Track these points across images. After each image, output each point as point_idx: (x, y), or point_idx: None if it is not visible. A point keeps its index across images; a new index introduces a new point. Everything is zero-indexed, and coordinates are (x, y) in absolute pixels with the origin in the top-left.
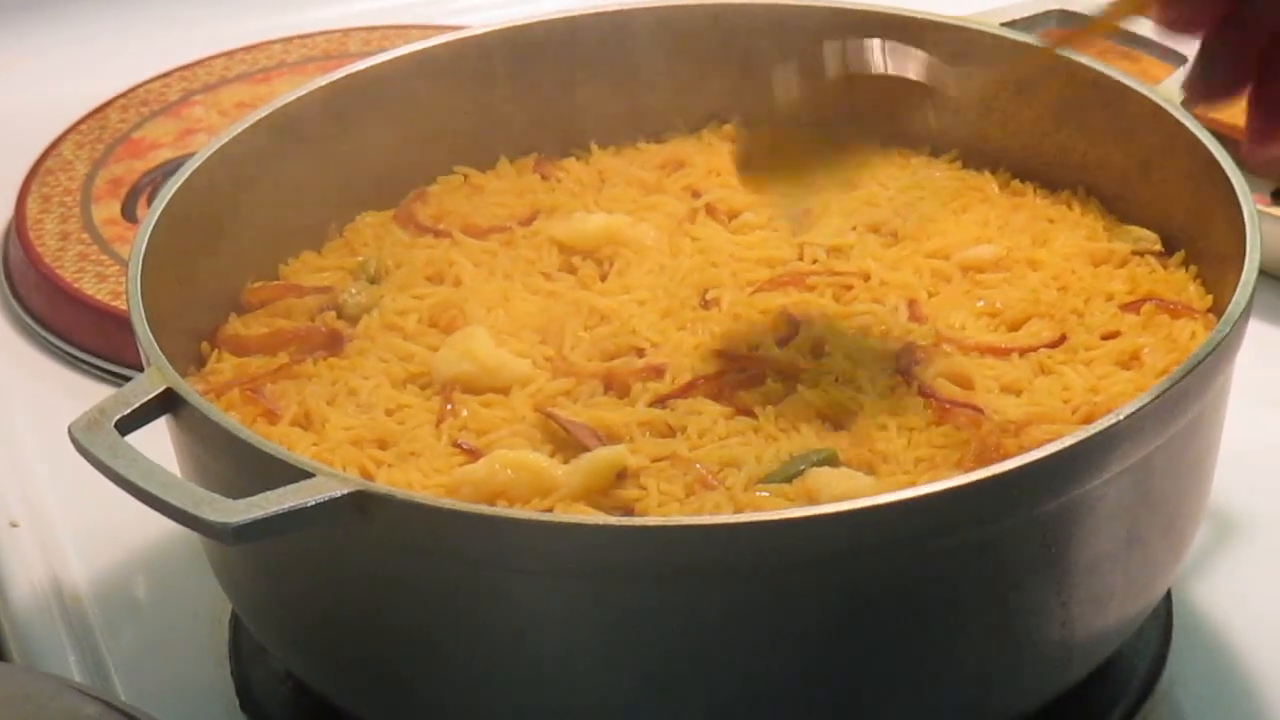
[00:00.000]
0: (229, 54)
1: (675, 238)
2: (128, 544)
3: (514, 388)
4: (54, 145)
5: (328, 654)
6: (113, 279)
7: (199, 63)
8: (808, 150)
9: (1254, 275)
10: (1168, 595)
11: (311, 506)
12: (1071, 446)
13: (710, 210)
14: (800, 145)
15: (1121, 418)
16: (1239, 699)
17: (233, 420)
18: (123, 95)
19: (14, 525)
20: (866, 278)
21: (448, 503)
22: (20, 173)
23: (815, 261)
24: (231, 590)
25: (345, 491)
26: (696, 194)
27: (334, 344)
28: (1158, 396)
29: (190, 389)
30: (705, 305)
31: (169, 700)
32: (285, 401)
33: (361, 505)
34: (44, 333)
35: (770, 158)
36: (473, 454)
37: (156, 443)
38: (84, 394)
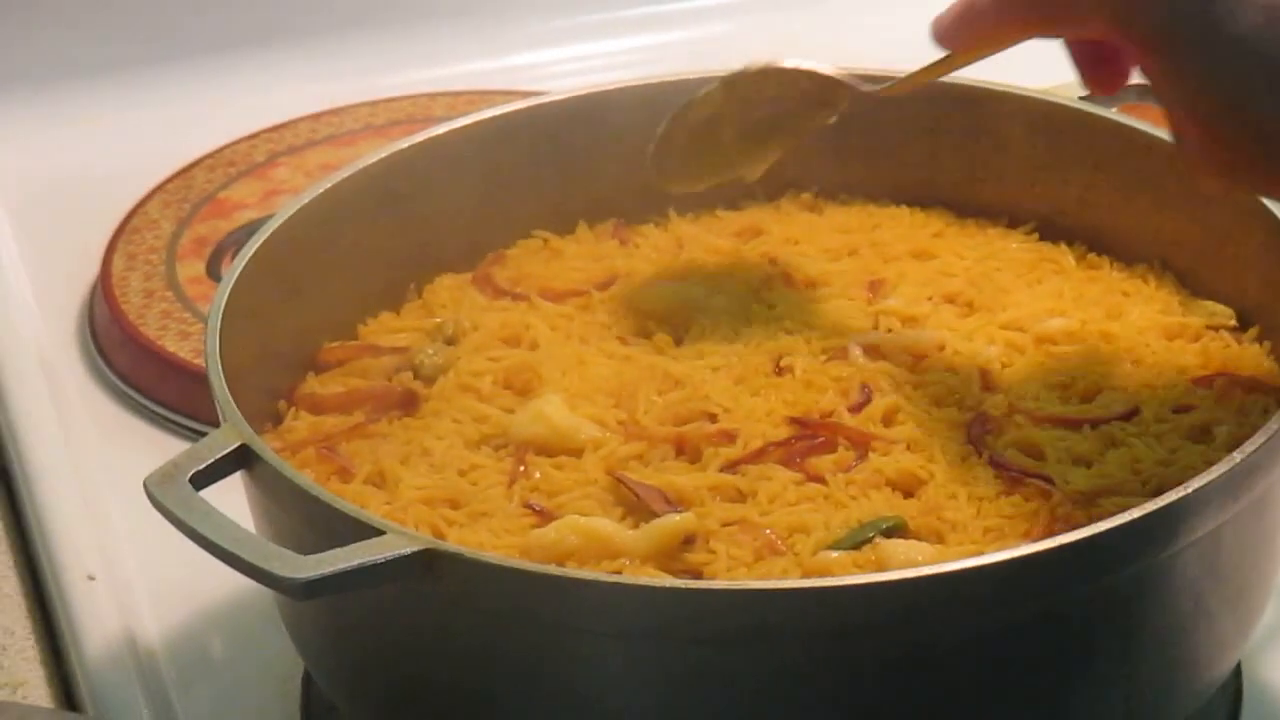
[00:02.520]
0: (315, 117)
1: (749, 304)
2: (202, 599)
3: (586, 450)
4: (141, 204)
5: (396, 712)
6: (195, 337)
7: (285, 125)
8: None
9: None
10: (1237, 669)
11: (381, 564)
12: (1139, 519)
13: (786, 279)
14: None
15: (1189, 491)
16: None
17: (305, 477)
18: (209, 156)
19: (91, 578)
20: (941, 348)
21: (516, 562)
22: (107, 231)
23: (890, 330)
24: (303, 647)
25: (414, 550)
26: (773, 261)
27: (409, 404)
28: (1227, 471)
29: (264, 445)
30: (778, 372)
31: None
32: (359, 460)
33: (430, 564)
34: (127, 389)
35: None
36: (543, 515)
37: (233, 499)
38: (164, 450)
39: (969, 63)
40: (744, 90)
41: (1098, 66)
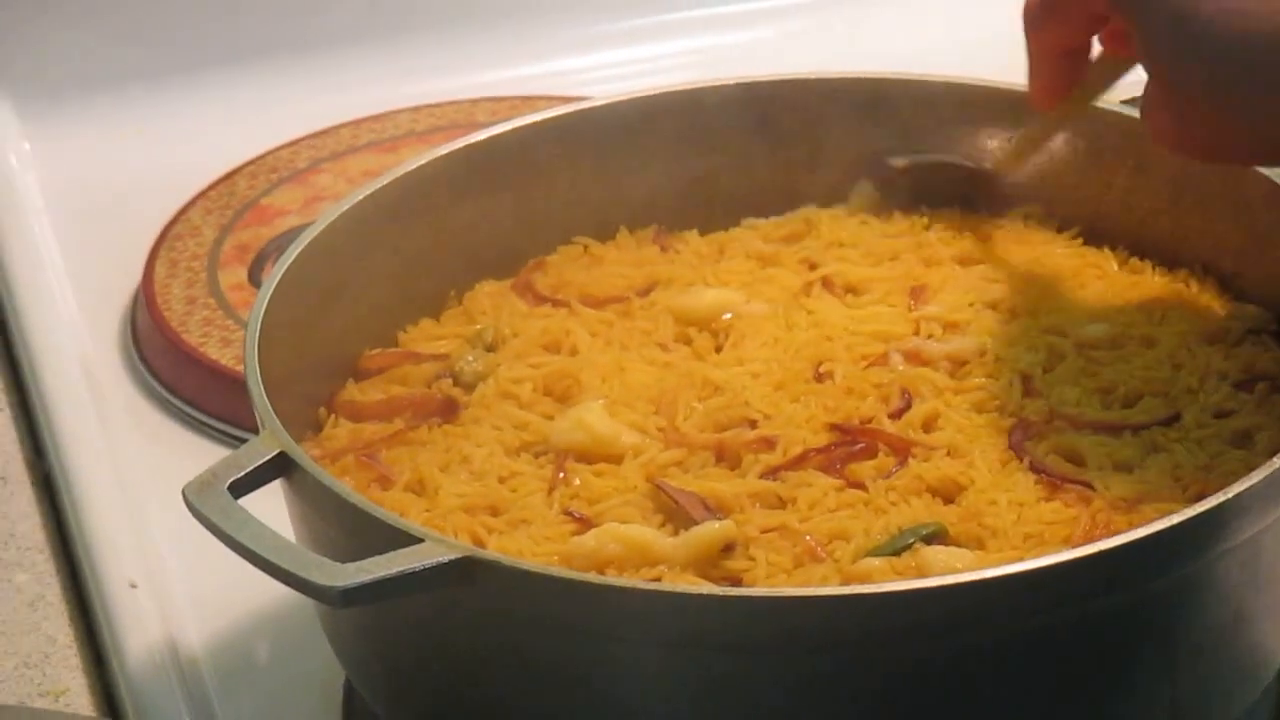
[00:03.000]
0: (356, 123)
1: (790, 311)
2: (244, 608)
3: (626, 457)
4: (183, 211)
5: (434, 718)
6: (237, 344)
7: (327, 131)
8: None
9: None
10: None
11: (419, 571)
12: (1178, 524)
13: (826, 284)
14: None
15: (1229, 496)
16: None
17: (343, 485)
18: (251, 162)
19: (133, 586)
20: (982, 353)
21: (554, 570)
22: (150, 238)
23: (930, 336)
24: (344, 656)
25: (453, 557)
26: (813, 266)
27: (449, 411)
28: (1267, 476)
29: (302, 453)
30: (819, 378)
31: None
32: (399, 467)
33: (469, 571)
34: (169, 396)
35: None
36: (583, 523)
37: (274, 507)
38: (206, 457)
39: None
40: None
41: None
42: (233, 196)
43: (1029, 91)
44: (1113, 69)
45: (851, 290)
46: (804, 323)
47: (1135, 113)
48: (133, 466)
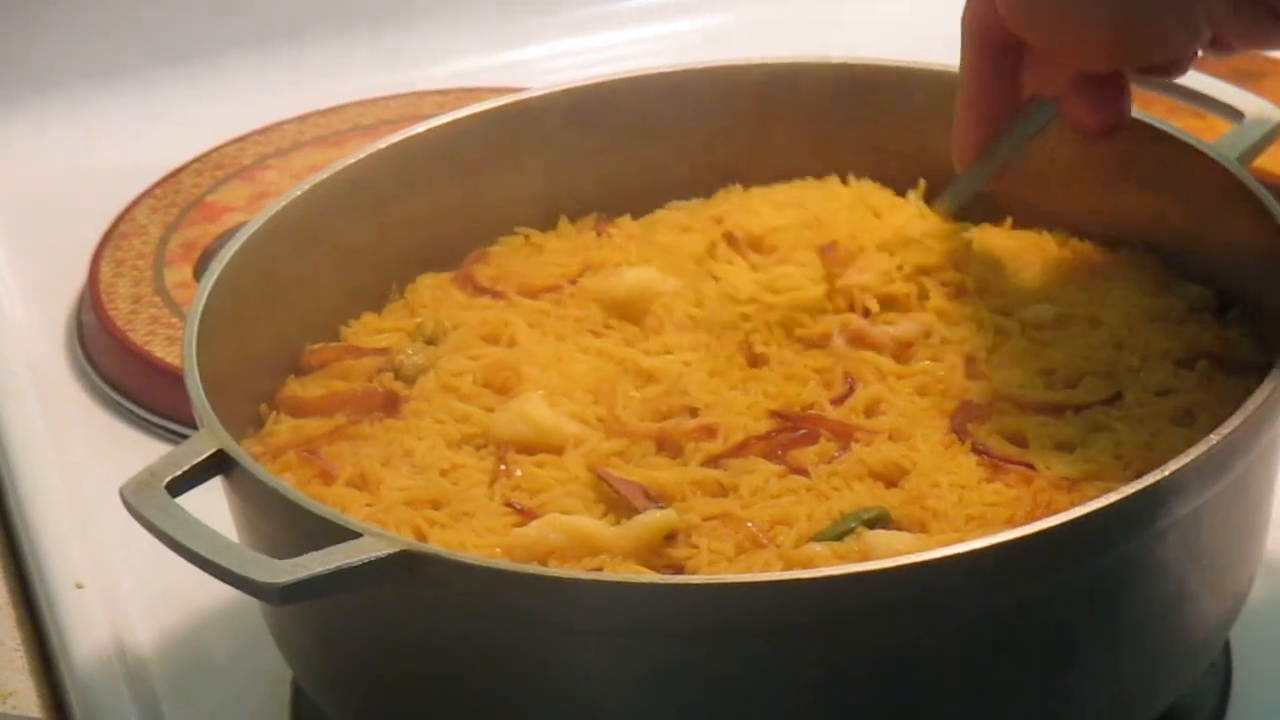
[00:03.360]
0: (302, 118)
1: (698, 281)
2: (191, 607)
3: (568, 448)
4: (128, 209)
5: (379, 714)
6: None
7: (273, 127)
8: None
9: None
10: (1227, 651)
11: (358, 566)
12: (1118, 502)
13: (730, 240)
14: None
15: (1168, 473)
16: None
17: (281, 481)
18: (197, 159)
19: (79, 586)
20: (928, 334)
21: (494, 562)
22: (95, 237)
23: (868, 314)
24: (289, 653)
25: (391, 551)
26: (719, 221)
27: (390, 405)
28: (1205, 452)
29: (241, 450)
30: (753, 363)
31: None
32: (341, 463)
33: (408, 565)
34: (115, 395)
35: None
36: (526, 514)
37: (219, 505)
38: (153, 457)
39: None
40: None
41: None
42: (178, 194)
43: (952, 152)
44: (1035, 115)
45: (756, 245)
46: (713, 293)
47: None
48: (79, 466)
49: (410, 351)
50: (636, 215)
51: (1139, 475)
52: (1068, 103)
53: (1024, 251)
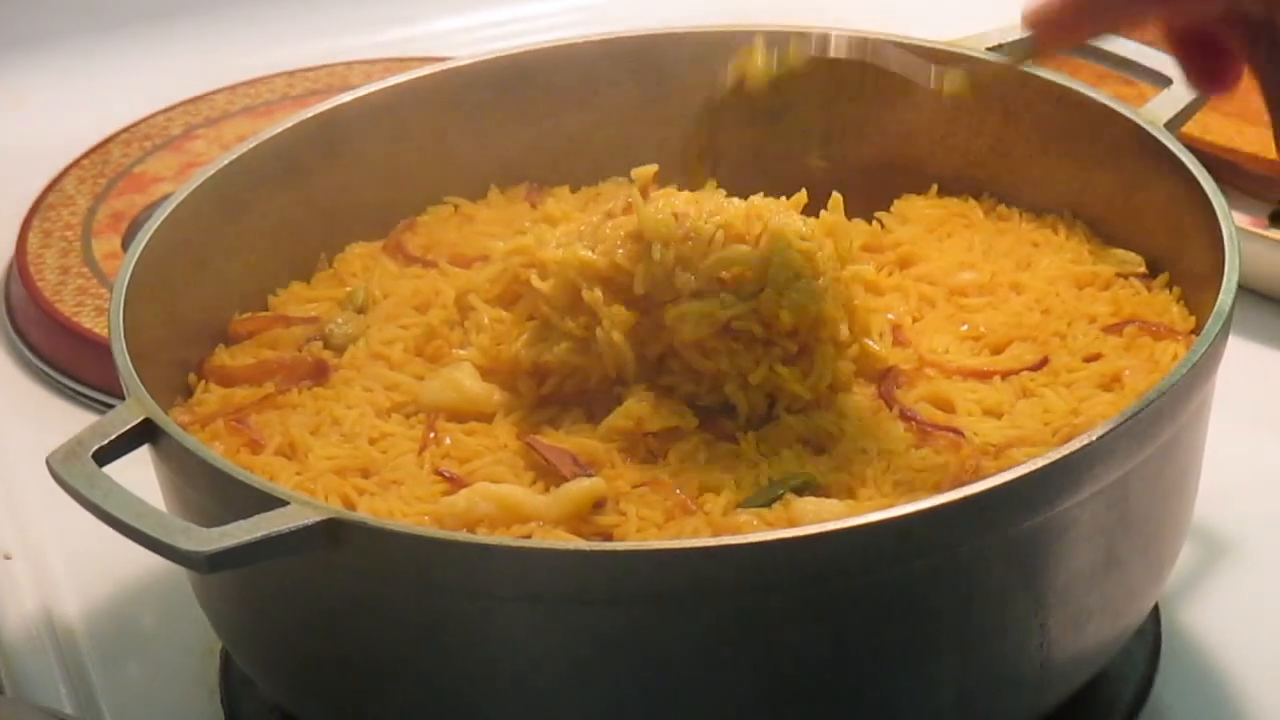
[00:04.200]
0: (231, 88)
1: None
2: (120, 576)
3: (497, 416)
4: (56, 180)
5: (309, 682)
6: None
7: (201, 97)
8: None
9: (1231, 296)
10: (1156, 616)
11: (285, 534)
12: (1043, 467)
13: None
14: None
15: (1094, 438)
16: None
17: (208, 450)
18: (125, 130)
19: (7, 557)
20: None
21: (420, 529)
22: (23, 208)
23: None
24: (216, 621)
25: (318, 519)
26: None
27: (319, 374)
28: (1130, 417)
29: (167, 419)
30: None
31: None
32: (269, 431)
33: (335, 533)
34: (44, 366)
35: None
36: (454, 482)
37: (149, 475)
38: (82, 427)
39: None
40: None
41: (1206, 61)
42: (107, 165)
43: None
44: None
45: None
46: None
47: (1003, 60)
48: (6, 437)
49: (340, 320)
50: (566, 183)
51: (1066, 441)
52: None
53: (950, 219)
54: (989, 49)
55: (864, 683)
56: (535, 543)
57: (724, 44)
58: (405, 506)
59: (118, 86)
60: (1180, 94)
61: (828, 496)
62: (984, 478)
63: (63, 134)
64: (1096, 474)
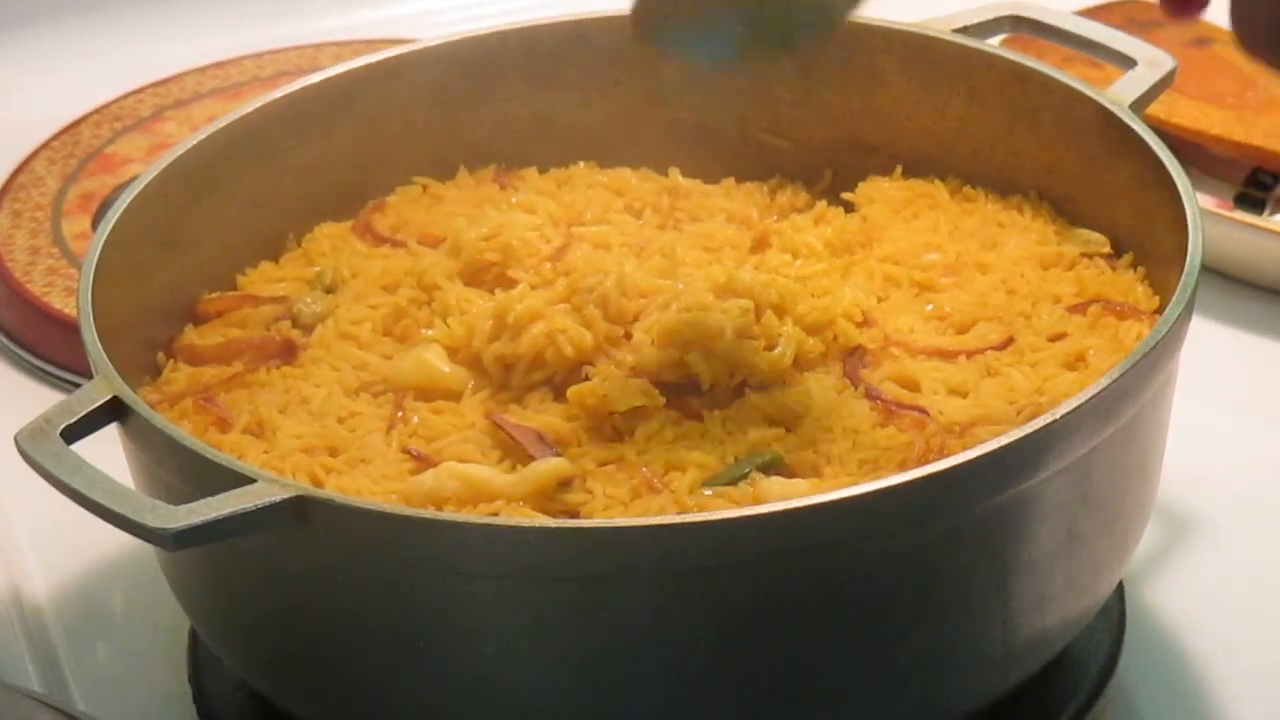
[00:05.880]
0: (201, 70)
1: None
2: (89, 555)
3: (465, 394)
4: (27, 161)
5: (276, 660)
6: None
7: (172, 79)
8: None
9: (1194, 276)
10: (1121, 595)
11: (252, 511)
12: (1006, 446)
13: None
14: None
15: (1058, 416)
16: (1191, 698)
17: (176, 428)
18: (96, 111)
19: None
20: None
21: (386, 506)
22: None
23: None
24: (184, 599)
25: (285, 497)
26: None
27: (288, 353)
28: (1094, 396)
29: (135, 397)
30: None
31: (127, 710)
32: (237, 410)
33: (302, 511)
34: (13, 346)
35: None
36: (422, 460)
37: (114, 454)
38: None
39: None
40: None
41: None
42: (77, 146)
43: None
44: None
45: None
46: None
47: (968, 41)
48: None
49: (309, 300)
50: (533, 164)
51: (1031, 419)
52: None
53: (915, 200)
54: (955, 30)
55: (827, 660)
56: (502, 520)
57: None
58: (373, 485)
59: (88, 68)
60: (1145, 75)
61: (793, 475)
62: (948, 456)
63: (33, 115)
64: (1060, 452)
